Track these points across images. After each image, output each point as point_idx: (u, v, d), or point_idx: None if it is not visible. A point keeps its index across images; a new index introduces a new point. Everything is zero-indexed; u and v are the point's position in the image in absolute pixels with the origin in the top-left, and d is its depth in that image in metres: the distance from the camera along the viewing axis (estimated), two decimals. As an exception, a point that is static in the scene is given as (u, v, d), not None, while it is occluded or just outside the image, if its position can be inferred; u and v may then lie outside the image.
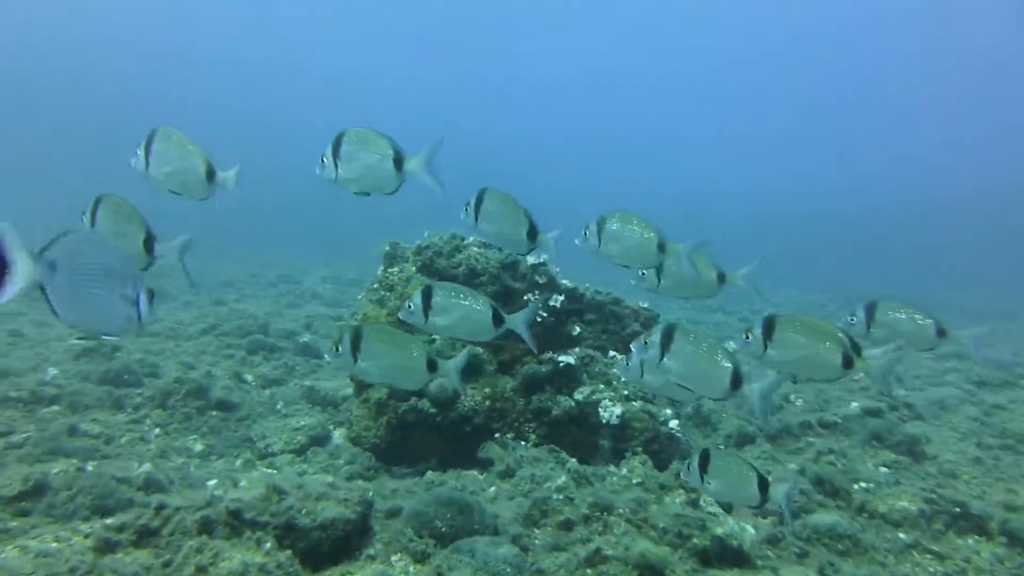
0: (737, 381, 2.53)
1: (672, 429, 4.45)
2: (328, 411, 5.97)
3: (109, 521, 2.85)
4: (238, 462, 5.02)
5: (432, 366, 2.63)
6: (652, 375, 2.89)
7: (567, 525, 3.18)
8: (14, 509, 3.74)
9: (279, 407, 5.93)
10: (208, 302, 10.76)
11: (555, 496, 3.23)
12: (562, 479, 3.45)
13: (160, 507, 2.89)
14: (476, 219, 2.87)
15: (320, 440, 5.42)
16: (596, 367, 4.63)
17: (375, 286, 4.78)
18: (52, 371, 6.38)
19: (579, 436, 4.50)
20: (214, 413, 5.74)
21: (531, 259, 4.75)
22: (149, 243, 2.75)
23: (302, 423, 5.46)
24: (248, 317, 8.28)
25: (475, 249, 4.72)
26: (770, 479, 2.73)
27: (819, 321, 2.60)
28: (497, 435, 4.50)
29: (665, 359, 2.58)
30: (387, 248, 4.94)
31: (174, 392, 5.77)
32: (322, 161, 2.81)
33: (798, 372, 2.66)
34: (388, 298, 4.65)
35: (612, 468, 3.90)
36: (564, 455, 3.94)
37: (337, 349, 2.63)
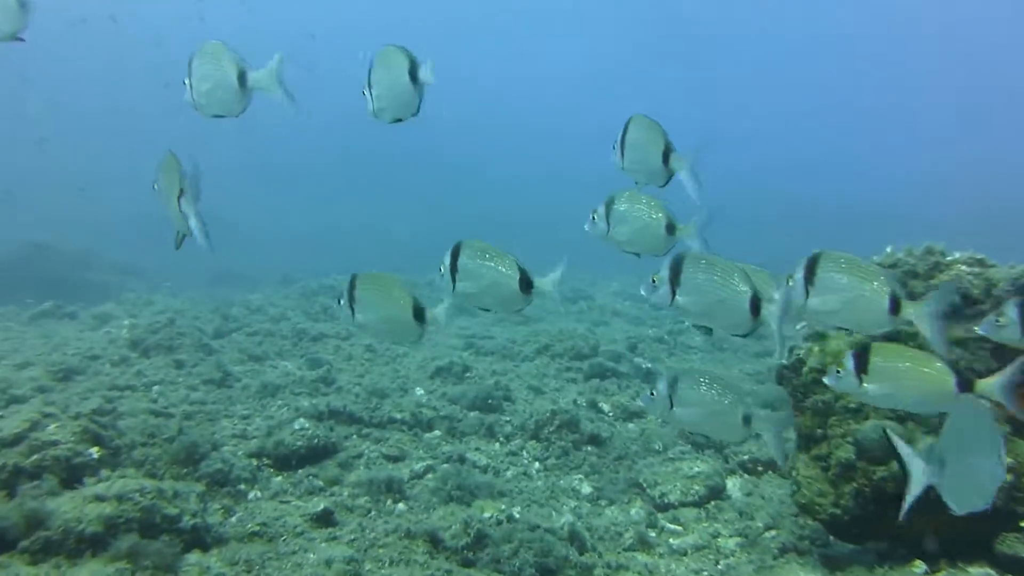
0: (756, 306, 2.35)
1: None
2: (710, 454, 5.23)
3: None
4: (633, 511, 4.48)
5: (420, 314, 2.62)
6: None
7: None
8: (460, 559, 3.50)
9: (656, 447, 5.34)
10: (516, 319, 10.82)
11: None
12: None
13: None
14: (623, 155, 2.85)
15: (718, 492, 4.70)
16: None
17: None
18: (419, 391, 6.53)
19: None
20: (589, 448, 5.33)
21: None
22: (419, 312, 2.64)
23: (696, 470, 4.78)
24: (577, 337, 7.97)
25: (963, 267, 3.64)
26: None
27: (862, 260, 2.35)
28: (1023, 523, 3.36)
29: (678, 296, 2.42)
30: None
31: (547, 423, 5.47)
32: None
33: (843, 322, 2.43)
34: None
35: None
36: None
37: (441, 271, 2.60)
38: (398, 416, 5.71)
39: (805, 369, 3.66)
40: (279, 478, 4.65)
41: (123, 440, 4.29)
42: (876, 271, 2.30)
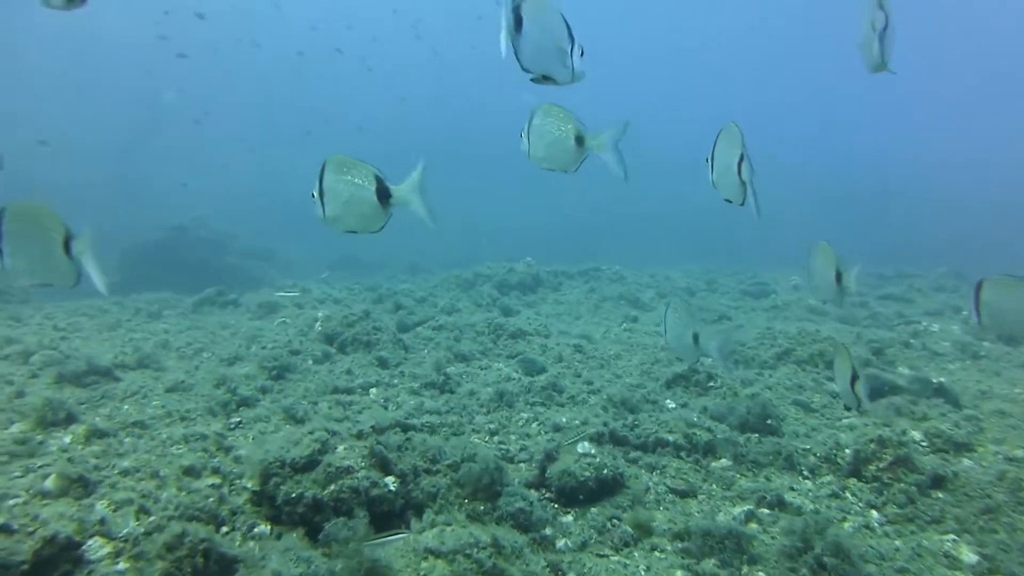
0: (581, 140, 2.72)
1: None
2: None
3: None
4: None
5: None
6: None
7: None
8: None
9: (1038, 499, 4.11)
10: (708, 319, 9.70)
11: None
12: None
13: None
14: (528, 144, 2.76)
15: None
16: None
17: None
18: (670, 404, 5.56)
19: None
20: (939, 496, 4.18)
21: None
22: (67, 244, 2.48)
23: None
24: (822, 341, 6.77)
25: None
26: None
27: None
28: None
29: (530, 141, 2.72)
30: None
31: (873, 457, 4.36)
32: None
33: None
34: None
35: None
36: None
37: (313, 196, 2.45)
38: (669, 438, 4.74)
39: None
40: (569, 517, 3.78)
41: (404, 464, 3.53)
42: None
